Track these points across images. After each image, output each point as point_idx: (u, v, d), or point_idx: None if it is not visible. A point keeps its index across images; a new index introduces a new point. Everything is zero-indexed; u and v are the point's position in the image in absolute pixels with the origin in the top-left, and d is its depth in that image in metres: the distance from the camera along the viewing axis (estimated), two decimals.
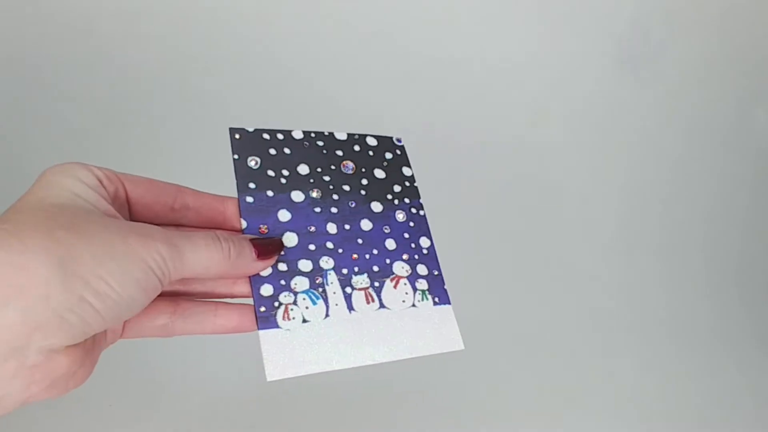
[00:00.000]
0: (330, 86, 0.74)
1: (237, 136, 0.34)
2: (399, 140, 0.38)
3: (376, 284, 0.33)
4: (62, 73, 0.70)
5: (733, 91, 0.80)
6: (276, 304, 0.31)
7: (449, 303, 0.34)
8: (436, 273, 0.34)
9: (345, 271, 0.33)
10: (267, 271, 0.31)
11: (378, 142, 0.37)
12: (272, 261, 0.31)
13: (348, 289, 0.33)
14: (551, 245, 0.78)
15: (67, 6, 0.69)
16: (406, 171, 0.36)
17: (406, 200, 0.35)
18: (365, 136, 0.37)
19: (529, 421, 0.67)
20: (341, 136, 0.36)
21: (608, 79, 0.79)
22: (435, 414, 0.65)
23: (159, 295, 0.28)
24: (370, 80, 0.76)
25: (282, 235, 0.32)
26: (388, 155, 0.37)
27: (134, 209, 0.30)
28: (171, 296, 0.30)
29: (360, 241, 0.33)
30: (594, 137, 0.80)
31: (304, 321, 0.31)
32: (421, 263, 0.34)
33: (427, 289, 0.34)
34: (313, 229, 0.33)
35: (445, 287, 0.34)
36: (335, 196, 0.34)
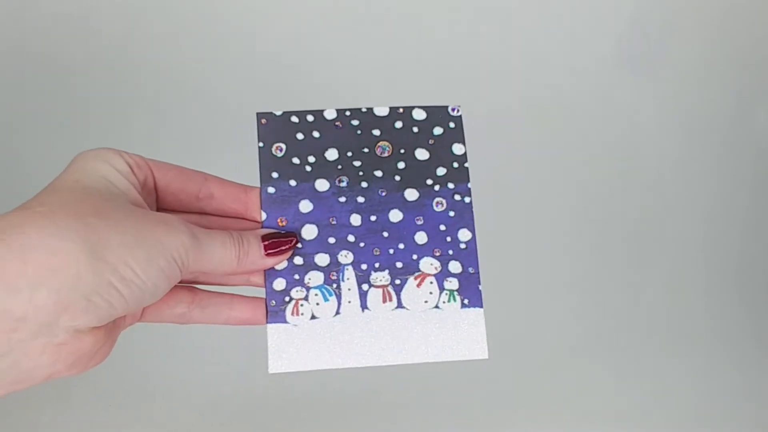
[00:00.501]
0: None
1: (263, 122, 0.33)
2: (455, 109, 0.34)
3: (397, 282, 0.31)
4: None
5: (733, 91, 0.80)
6: (287, 299, 0.31)
7: (481, 306, 0.31)
8: (471, 271, 0.32)
9: (364, 266, 0.31)
10: (282, 265, 0.31)
11: (427, 115, 0.33)
12: (283, 258, 0.31)
13: (365, 286, 0.31)
14: (547, 245, 0.78)
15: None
16: (457, 149, 0.33)
17: (450, 185, 0.33)
18: (412, 108, 0.34)
19: (529, 420, 0.67)
20: (382, 111, 0.33)
21: (608, 79, 0.79)
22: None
23: (179, 284, 0.29)
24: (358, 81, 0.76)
25: (301, 227, 0.32)
26: (438, 130, 0.33)
27: (161, 196, 0.30)
28: (190, 285, 0.31)
29: (385, 234, 0.32)
30: (593, 137, 0.80)
31: (313, 317, 0.31)
32: (455, 260, 0.32)
33: (457, 290, 0.31)
34: (334, 221, 0.32)
35: (480, 287, 0.32)
36: (364, 184, 0.32)
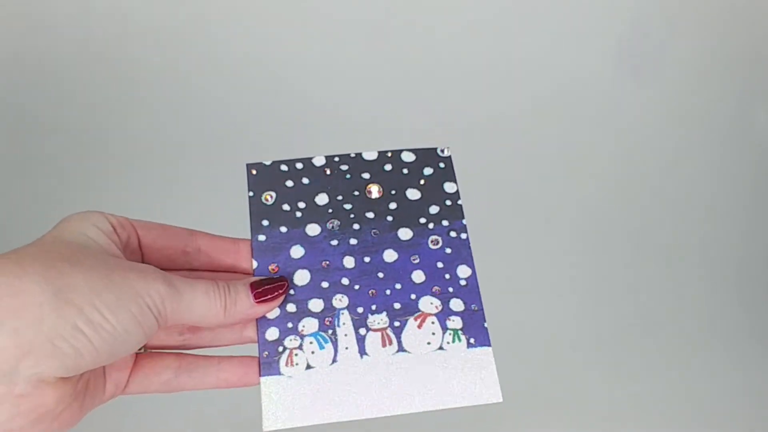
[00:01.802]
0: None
1: (254, 172, 0.32)
2: (444, 151, 0.34)
3: (396, 324, 0.30)
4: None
5: (733, 91, 0.80)
6: (280, 348, 0.30)
7: (489, 345, 0.30)
8: (475, 308, 0.30)
9: (360, 309, 0.30)
10: (274, 313, 0.30)
11: (416, 157, 0.33)
12: (275, 305, 0.30)
13: (362, 331, 0.30)
14: (548, 244, 0.78)
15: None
16: (448, 187, 0.33)
17: (444, 222, 0.32)
18: (401, 151, 0.33)
19: (529, 420, 0.67)
20: (370, 155, 0.33)
21: (608, 79, 0.79)
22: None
23: (166, 351, 0.28)
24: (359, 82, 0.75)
25: (294, 273, 0.31)
26: (428, 171, 0.33)
27: (146, 253, 0.30)
28: (178, 351, 0.30)
29: (381, 275, 0.31)
30: (593, 137, 0.80)
31: (309, 367, 0.29)
32: (457, 297, 0.31)
33: (461, 329, 0.30)
34: (327, 264, 0.31)
35: (486, 325, 0.30)
36: (356, 226, 0.32)
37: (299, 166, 0.33)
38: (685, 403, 0.71)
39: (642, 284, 0.78)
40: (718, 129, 0.80)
